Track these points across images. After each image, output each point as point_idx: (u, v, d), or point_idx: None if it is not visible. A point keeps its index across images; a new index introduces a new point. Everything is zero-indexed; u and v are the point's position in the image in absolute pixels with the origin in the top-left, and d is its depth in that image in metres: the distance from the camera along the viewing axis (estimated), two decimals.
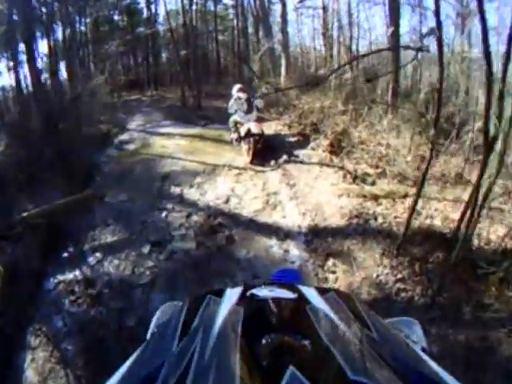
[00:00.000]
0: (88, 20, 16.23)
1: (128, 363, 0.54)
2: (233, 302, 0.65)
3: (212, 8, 17.10)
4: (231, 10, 17.53)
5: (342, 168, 5.72)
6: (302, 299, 0.67)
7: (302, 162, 6.32)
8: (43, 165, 6.86)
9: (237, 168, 6.46)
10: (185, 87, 12.64)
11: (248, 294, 0.70)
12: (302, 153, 6.64)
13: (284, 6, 10.73)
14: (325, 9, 13.32)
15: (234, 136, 7.23)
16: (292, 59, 11.53)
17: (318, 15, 13.36)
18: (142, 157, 7.67)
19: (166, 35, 16.50)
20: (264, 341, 0.50)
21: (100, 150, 8.60)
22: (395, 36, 8.07)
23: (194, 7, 14.55)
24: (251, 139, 6.58)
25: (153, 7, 17.32)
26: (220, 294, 0.73)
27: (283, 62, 10.33)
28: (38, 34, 14.33)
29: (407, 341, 0.60)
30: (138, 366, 0.54)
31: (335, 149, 6.17)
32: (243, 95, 7.04)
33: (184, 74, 13.31)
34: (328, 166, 5.96)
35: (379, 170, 5.54)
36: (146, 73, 18.17)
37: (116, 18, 17.91)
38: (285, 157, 6.51)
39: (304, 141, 7.08)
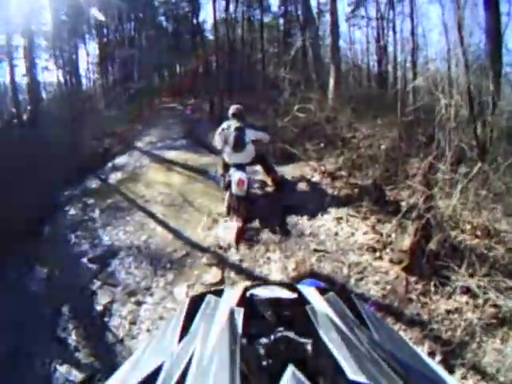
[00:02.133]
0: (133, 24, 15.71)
1: (128, 363, 0.53)
2: (233, 303, 0.63)
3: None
4: (281, 20, 15.79)
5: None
6: (302, 299, 0.65)
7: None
8: None
9: (221, 260, 3.75)
10: (214, 100, 11.14)
11: (248, 294, 0.66)
12: (350, 254, 3.58)
13: (334, 1, 7.87)
14: (380, 19, 11.06)
15: (221, 184, 4.62)
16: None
17: (372, 27, 11.79)
18: (115, 199, 5.62)
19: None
20: (264, 340, 0.50)
21: (80, 179, 6.84)
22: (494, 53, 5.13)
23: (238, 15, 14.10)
24: (236, 201, 4.16)
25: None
26: (220, 294, 0.69)
27: (332, 73, 7.43)
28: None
29: (407, 341, 0.58)
30: (139, 366, 0.52)
31: (418, 262, 3.10)
32: (235, 122, 4.37)
33: (215, 85, 11.39)
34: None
35: None
36: (189, 81, 16.66)
37: (164, 24, 17.37)
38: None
39: (353, 218, 4.02)
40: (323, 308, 0.60)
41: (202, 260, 3.79)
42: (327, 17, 11.89)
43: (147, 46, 15.03)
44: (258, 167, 4.80)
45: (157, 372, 0.46)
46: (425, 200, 3.26)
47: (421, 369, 0.48)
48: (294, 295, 0.66)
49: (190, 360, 0.46)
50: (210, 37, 15.83)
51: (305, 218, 4.12)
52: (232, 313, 0.57)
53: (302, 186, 4.76)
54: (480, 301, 2.84)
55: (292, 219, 4.14)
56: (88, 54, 15.03)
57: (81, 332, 3.44)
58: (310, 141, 5.56)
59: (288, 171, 5.02)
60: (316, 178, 4.81)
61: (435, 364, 0.50)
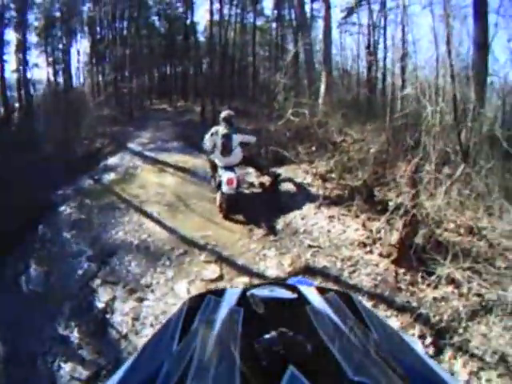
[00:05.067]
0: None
1: (128, 363, 0.53)
2: (233, 303, 0.64)
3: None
4: (274, 24, 15.78)
5: None
6: (302, 299, 0.65)
7: None
8: None
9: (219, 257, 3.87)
10: (206, 102, 11.26)
11: (248, 294, 0.65)
12: (343, 249, 3.77)
13: (328, 8, 8.08)
14: (371, 27, 11.36)
15: (213, 184, 5.04)
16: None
17: (363, 34, 12.06)
18: (110, 200, 5.63)
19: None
20: (264, 341, 0.49)
21: (73, 179, 6.81)
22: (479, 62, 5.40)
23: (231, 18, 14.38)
24: (224, 197, 4.49)
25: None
26: (220, 294, 0.69)
27: (323, 79, 7.63)
28: None
29: (407, 341, 0.58)
30: (139, 366, 0.52)
31: (406, 255, 3.30)
32: (223, 128, 4.68)
33: (207, 87, 11.43)
34: None
35: None
36: (179, 83, 17.45)
37: (157, 23, 17.28)
38: None
39: (345, 216, 4.20)
40: (323, 308, 0.60)
41: (200, 257, 3.89)
42: (319, 22, 12.19)
43: (139, 45, 14.92)
44: (251, 169, 5.04)
45: (157, 372, 0.46)
46: (411, 198, 3.46)
47: (421, 369, 0.48)
48: (294, 295, 0.66)
49: (190, 360, 0.46)
50: (202, 38, 15.94)
51: (298, 217, 4.30)
52: (232, 313, 0.58)
53: (295, 187, 4.96)
54: (464, 290, 3.05)
55: (286, 218, 4.32)
56: (79, 53, 14.93)
57: (83, 329, 3.42)
58: (302, 144, 5.72)
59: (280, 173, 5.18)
60: (308, 179, 5.01)
61: (435, 364, 0.50)
